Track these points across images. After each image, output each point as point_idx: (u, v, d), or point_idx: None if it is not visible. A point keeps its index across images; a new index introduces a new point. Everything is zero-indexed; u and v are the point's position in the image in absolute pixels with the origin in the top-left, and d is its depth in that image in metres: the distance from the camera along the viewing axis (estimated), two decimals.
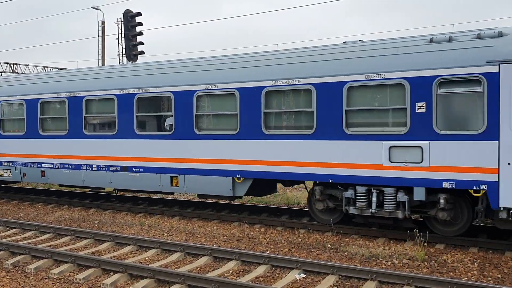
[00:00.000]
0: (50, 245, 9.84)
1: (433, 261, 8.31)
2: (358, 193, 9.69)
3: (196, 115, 11.50)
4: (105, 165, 12.97)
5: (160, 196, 16.22)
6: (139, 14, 24.06)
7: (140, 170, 12.37)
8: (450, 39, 9.08)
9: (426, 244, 9.09)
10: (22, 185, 18.94)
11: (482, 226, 10.40)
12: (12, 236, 10.90)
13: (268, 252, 9.13)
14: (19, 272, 8.23)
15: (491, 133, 8.37)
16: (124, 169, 12.63)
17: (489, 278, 7.47)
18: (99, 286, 7.42)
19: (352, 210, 9.81)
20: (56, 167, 13.90)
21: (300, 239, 10.04)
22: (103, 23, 33.04)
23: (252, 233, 10.75)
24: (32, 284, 7.63)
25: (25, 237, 10.77)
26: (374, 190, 9.52)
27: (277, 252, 9.09)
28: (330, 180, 9.89)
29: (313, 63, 10.22)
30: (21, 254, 9.00)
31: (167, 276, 7.35)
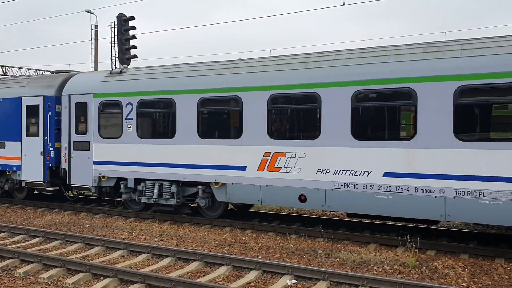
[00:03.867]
0: (40, 249, 9.75)
1: (424, 268, 8.32)
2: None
3: None
4: None
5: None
6: (132, 18, 24.03)
7: None
8: None
9: (417, 250, 9.11)
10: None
11: (472, 233, 10.46)
12: (1, 240, 10.78)
13: (260, 257, 9.11)
14: (8, 276, 8.13)
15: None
16: None
17: (480, 285, 7.50)
18: None
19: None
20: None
21: (291, 245, 10.02)
22: (96, 26, 32.97)
23: (243, 238, 10.72)
24: None
25: (14, 241, 10.66)
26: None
27: (268, 258, 9.07)
28: None
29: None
30: (10, 258, 8.89)
31: (158, 281, 7.30)
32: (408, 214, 9.44)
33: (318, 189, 10.18)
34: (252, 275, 7.80)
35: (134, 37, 24.21)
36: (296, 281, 7.54)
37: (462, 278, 7.80)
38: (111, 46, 31.67)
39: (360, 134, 9.88)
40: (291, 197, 10.52)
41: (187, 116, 11.83)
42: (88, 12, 32.85)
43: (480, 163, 8.78)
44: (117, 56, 26.98)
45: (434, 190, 9.11)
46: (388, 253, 9.31)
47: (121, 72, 13.55)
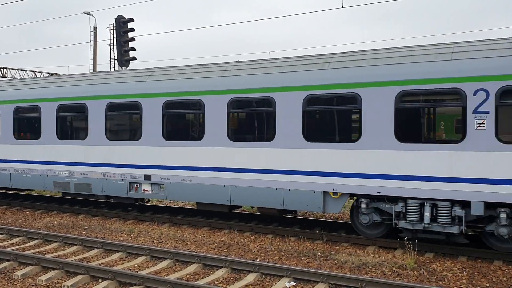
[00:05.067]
0: (38, 252, 9.73)
1: (422, 270, 8.34)
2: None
3: None
4: None
5: (150, 203, 16.14)
6: (131, 20, 24.06)
7: None
8: None
9: (415, 252, 9.12)
10: (11, 190, 18.69)
11: (470, 235, 10.47)
12: None
13: (258, 259, 9.11)
14: (6, 279, 8.12)
15: None
16: None
17: (478, 287, 7.51)
18: None
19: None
20: None
21: (290, 247, 10.03)
22: (95, 28, 32.97)
23: (242, 240, 10.72)
24: None
25: (13, 243, 10.64)
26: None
27: (267, 260, 9.07)
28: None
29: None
30: (8, 260, 8.88)
31: (156, 283, 7.30)
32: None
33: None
34: (250, 278, 7.80)
35: (133, 39, 24.24)
36: (294, 283, 7.54)
37: (461, 281, 7.81)
38: (110, 48, 31.70)
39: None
40: None
41: None
42: (87, 14, 32.86)
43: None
44: (116, 58, 27.00)
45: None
46: (387, 255, 9.32)
47: None
